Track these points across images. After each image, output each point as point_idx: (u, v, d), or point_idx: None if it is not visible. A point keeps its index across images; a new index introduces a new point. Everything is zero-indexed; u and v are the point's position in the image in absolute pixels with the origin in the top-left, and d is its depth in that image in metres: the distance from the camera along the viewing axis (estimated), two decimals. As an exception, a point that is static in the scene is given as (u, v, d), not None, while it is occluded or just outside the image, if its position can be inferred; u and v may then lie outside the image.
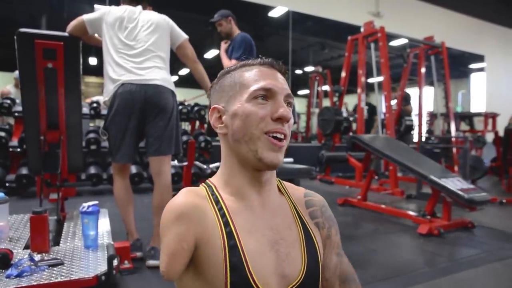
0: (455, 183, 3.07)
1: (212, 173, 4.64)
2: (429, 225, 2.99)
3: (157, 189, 2.20)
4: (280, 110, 0.66)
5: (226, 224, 0.65)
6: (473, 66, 10.20)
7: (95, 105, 4.71)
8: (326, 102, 7.37)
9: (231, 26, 3.40)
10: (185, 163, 3.02)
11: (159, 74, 2.16)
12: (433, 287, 2.05)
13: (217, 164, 3.23)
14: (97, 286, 1.44)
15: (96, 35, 2.23)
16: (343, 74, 5.44)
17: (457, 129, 6.42)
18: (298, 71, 8.81)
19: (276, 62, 0.72)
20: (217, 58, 3.66)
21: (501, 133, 5.83)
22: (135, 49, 2.14)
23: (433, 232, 2.94)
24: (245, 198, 0.69)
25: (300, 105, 8.53)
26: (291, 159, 3.05)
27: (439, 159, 5.50)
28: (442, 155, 5.48)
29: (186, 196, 0.67)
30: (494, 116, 7.09)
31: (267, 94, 0.67)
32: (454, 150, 5.01)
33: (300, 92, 8.74)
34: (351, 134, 5.01)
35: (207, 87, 2.52)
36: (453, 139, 5.19)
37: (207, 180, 0.74)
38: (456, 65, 9.14)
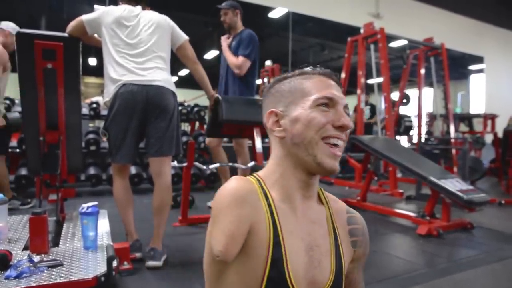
0: (454, 184, 3.07)
1: (212, 174, 4.68)
2: (428, 226, 2.99)
3: (157, 190, 2.20)
4: (342, 119, 0.70)
5: (274, 220, 0.68)
6: (472, 67, 10.23)
7: (94, 105, 4.71)
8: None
9: (236, 19, 3.38)
10: (185, 164, 3.02)
11: (160, 75, 2.17)
12: (432, 288, 2.05)
13: (217, 164, 3.23)
14: (96, 287, 1.44)
15: (96, 35, 2.23)
16: (343, 75, 5.45)
17: (456, 130, 6.43)
18: (298, 72, 8.83)
19: (333, 73, 0.76)
20: (217, 59, 3.66)
21: (500, 134, 5.84)
22: (137, 49, 2.14)
23: (432, 233, 2.95)
24: (290, 200, 0.72)
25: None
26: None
27: (439, 160, 5.50)
28: (441, 156, 5.49)
29: (243, 181, 0.68)
30: (493, 117, 7.10)
31: (329, 103, 0.71)
32: (453, 151, 5.01)
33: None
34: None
35: (207, 87, 2.53)
36: (452, 140, 5.20)
37: (254, 174, 0.75)
38: (456, 67, 9.15)
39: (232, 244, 0.62)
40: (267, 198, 0.69)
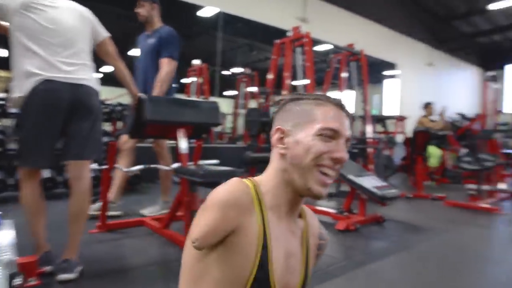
0: (370, 181, 3.32)
1: (135, 176, 4.48)
2: (346, 222, 3.19)
3: (75, 195, 2.04)
4: (341, 153, 0.76)
5: (264, 226, 0.74)
6: (386, 73, 11.12)
7: (1, 102, 4.25)
8: (252, 103, 7.50)
9: (153, 14, 3.23)
10: (105, 166, 2.86)
11: (88, 74, 2.03)
12: (349, 279, 2.19)
13: (140, 166, 3.11)
14: (-3, 308, 1.30)
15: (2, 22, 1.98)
16: (270, 76, 5.57)
17: (373, 131, 6.94)
18: (226, 72, 8.83)
19: (344, 105, 0.81)
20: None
21: (409, 134, 6.43)
22: (59, 37, 1.93)
23: (350, 228, 3.15)
24: (279, 210, 0.78)
25: (226, 105, 8.55)
26: (216, 161, 3.04)
27: (357, 158, 5.88)
28: (359, 155, 5.88)
29: (241, 184, 0.74)
30: (404, 119, 7.79)
31: (332, 135, 0.76)
32: (370, 150, 5.40)
33: (226, 93, 8.75)
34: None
35: (130, 86, 2.42)
36: (369, 140, 5.60)
37: (252, 178, 0.80)
38: (372, 71, 9.86)
39: (211, 236, 0.69)
40: (260, 203, 0.75)
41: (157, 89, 3.13)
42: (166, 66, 3.15)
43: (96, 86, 2.09)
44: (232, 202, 0.70)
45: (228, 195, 0.71)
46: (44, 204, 2.08)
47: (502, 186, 5.32)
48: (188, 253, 0.76)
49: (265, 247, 0.72)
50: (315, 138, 0.76)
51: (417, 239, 3.06)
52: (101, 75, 3.16)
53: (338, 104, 0.80)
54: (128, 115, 3.23)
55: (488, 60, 14.22)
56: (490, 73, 5.93)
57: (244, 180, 0.78)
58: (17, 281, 1.38)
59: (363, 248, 2.88)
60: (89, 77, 2.04)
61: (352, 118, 0.84)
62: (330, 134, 0.76)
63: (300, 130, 0.77)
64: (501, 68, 14.17)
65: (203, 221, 0.70)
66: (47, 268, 1.96)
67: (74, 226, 2.04)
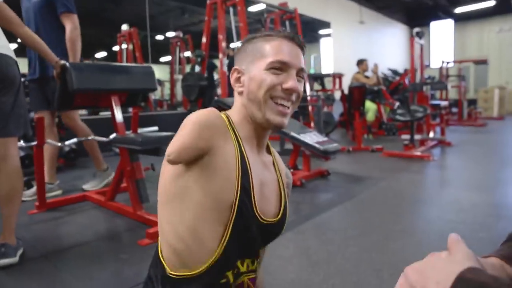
0: (312, 137, 3.38)
1: (71, 150, 4.18)
2: (292, 178, 3.24)
3: (3, 176, 1.83)
4: (290, 82, 0.77)
5: (241, 151, 0.75)
6: (322, 32, 11.26)
7: None
8: (188, 68, 7.23)
9: None
10: (34, 143, 2.60)
11: (1, 41, 1.76)
12: (299, 232, 2.25)
13: (74, 140, 2.87)
14: None
15: None
16: (204, 39, 5.36)
17: (312, 89, 7.07)
18: (159, 37, 8.36)
19: (296, 36, 0.81)
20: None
21: (346, 91, 6.64)
22: None
23: (297, 184, 3.22)
24: (251, 141, 0.81)
25: (163, 72, 8.17)
26: (155, 128, 2.90)
27: (298, 117, 5.99)
28: (300, 114, 5.98)
29: (217, 112, 0.73)
30: (340, 76, 8.01)
31: (282, 67, 0.77)
32: (310, 108, 5.51)
33: (163, 59, 8.35)
34: (215, 98, 5.04)
35: (47, 53, 2.18)
36: (309, 98, 5.69)
37: (224, 112, 0.82)
38: (308, 31, 9.94)
39: (184, 151, 0.66)
40: (235, 132, 0.77)
41: (71, 52, 2.77)
42: (68, 22, 2.76)
43: (12, 54, 1.83)
44: (208, 123, 0.69)
45: (204, 117, 0.69)
46: None
47: (431, 134, 5.75)
48: (164, 173, 0.75)
49: (245, 172, 0.73)
50: (267, 72, 0.77)
51: (359, 189, 3.22)
52: (17, 46, 2.81)
53: (288, 36, 0.80)
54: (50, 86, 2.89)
55: (414, 17, 14.94)
56: (416, 30, 6.22)
57: (221, 114, 0.78)
58: None
59: (310, 201, 2.96)
60: (3, 44, 1.78)
61: (304, 46, 0.83)
62: (279, 66, 0.77)
63: (253, 67, 0.79)
64: (427, 25, 15.00)
65: (178, 136, 0.68)
66: None
67: (7, 209, 1.86)
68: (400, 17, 14.90)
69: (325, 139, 3.53)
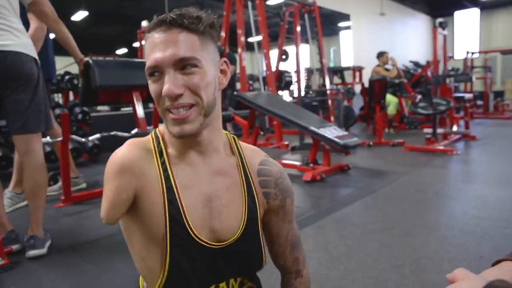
0: (331, 132, 3.36)
1: (94, 146, 4.29)
2: (312, 172, 3.24)
3: (27, 170, 1.90)
4: (164, 88, 0.63)
5: (167, 178, 0.68)
6: (341, 24, 11.10)
7: None
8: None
9: None
10: (60, 139, 2.68)
11: (18, 39, 1.80)
12: (319, 227, 2.24)
13: (97, 135, 2.94)
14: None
15: None
16: (223, 34, 5.37)
17: (331, 83, 7.00)
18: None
19: (170, 17, 0.63)
20: (88, 20, 3.19)
21: (366, 84, 6.54)
22: None
23: (316, 178, 3.21)
24: (185, 156, 0.71)
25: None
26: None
27: (317, 111, 5.95)
28: (319, 107, 5.94)
29: (129, 148, 0.69)
30: (360, 69, 7.89)
31: (156, 71, 0.64)
32: (330, 101, 5.46)
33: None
34: (235, 93, 5.05)
35: (74, 51, 2.22)
36: (328, 92, 5.64)
37: (157, 129, 0.75)
38: (327, 24, 9.81)
39: (112, 210, 0.67)
40: (161, 155, 0.70)
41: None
42: (34, 22, 2.46)
43: (30, 52, 1.86)
44: (123, 169, 0.66)
45: (117, 163, 0.67)
46: (0, 185, 1.95)
47: (455, 128, 5.61)
48: (121, 226, 0.75)
49: (172, 201, 0.67)
50: (150, 83, 0.66)
51: (380, 183, 3.18)
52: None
53: (158, 24, 0.64)
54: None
55: (437, 7, 14.52)
56: (439, 20, 6.04)
57: (151, 133, 0.73)
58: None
59: (330, 196, 2.95)
60: (19, 42, 1.81)
61: (192, 21, 0.64)
62: (153, 72, 0.64)
63: None
64: (450, 15, 14.57)
65: (104, 197, 0.68)
66: (15, 247, 1.88)
67: (33, 202, 1.93)
68: (422, 8, 14.50)
69: (345, 133, 3.49)
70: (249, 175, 0.76)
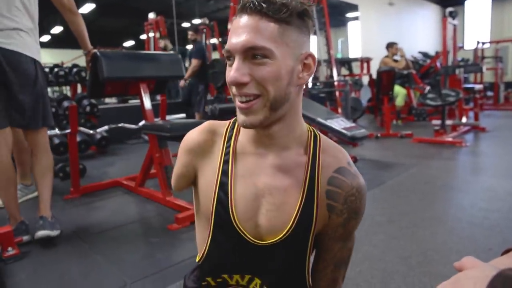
0: (339, 123, 3.34)
1: (103, 138, 4.32)
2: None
3: (34, 155, 2.00)
4: (229, 75, 0.62)
5: (226, 163, 0.70)
6: (349, 15, 10.96)
7: None
8: (215, 55, 7.23)
9: None
10: (68, 131, 2.70)
11: (21, 39, 1.82)
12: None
13: (105, 127, 2.96)
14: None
15: None
16: (230, 26, 5.34)
17: (339, 74, 6.94)
18: (186, 24, 8.39)
19: (251, 2, 0.59)
20: (95, 13, 3.19)
21: (374, 75, 6.47)
22: None
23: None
24: (256, 145, 0.70)
25: (190, 60, 8.22)
26: (183, 115, 2.94)
27: (325, 102, 5.91)
28: (327, 99, 5.89)
29: (199, 131, 0.74)
30: (368, 60, 7.81)
31: (231, 56, 0.63)
32: (337, 93, 5.41)
33: (189, 47, 8.41)
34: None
35: (84, 41, 2.23)
36: (336, 83, 5.59)
37: None
38: (335, 14, 9.69)
39: (178, 182, 0.78)
40: (229, 141, 0.72)
41: None
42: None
43: (29, 53, 1.86)
44: (188, 147, 0.73)
45: (185, 143, 0.74)
46: (14, 174, 1.98)
47: (464, 120, 5.54)
48: None
49: (223, 185, 0.69)
50: (228, 67, 0.64)
51: (388, 175, 3.16)
52: (50, 37, 2.88)
53: (244, 8, 0.61)
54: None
55: (447, -4, 14.26)
56: (449, 9, 5.93)
57: (213, 123, 0.75)
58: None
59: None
60: (20, 42, 1.82)
61: (278, 8, 0.59)
62: (228, 56, 0.63)
63: None
64: (461, 4, 14.30)
65: (174, 169, 0.78)
66: (25, 238, 1.92)
67: (41, 183, 1.98)
68: (432, -3, 14.26)
69: (353, 125, 3.47)
70: (315, 181, 0.69)
